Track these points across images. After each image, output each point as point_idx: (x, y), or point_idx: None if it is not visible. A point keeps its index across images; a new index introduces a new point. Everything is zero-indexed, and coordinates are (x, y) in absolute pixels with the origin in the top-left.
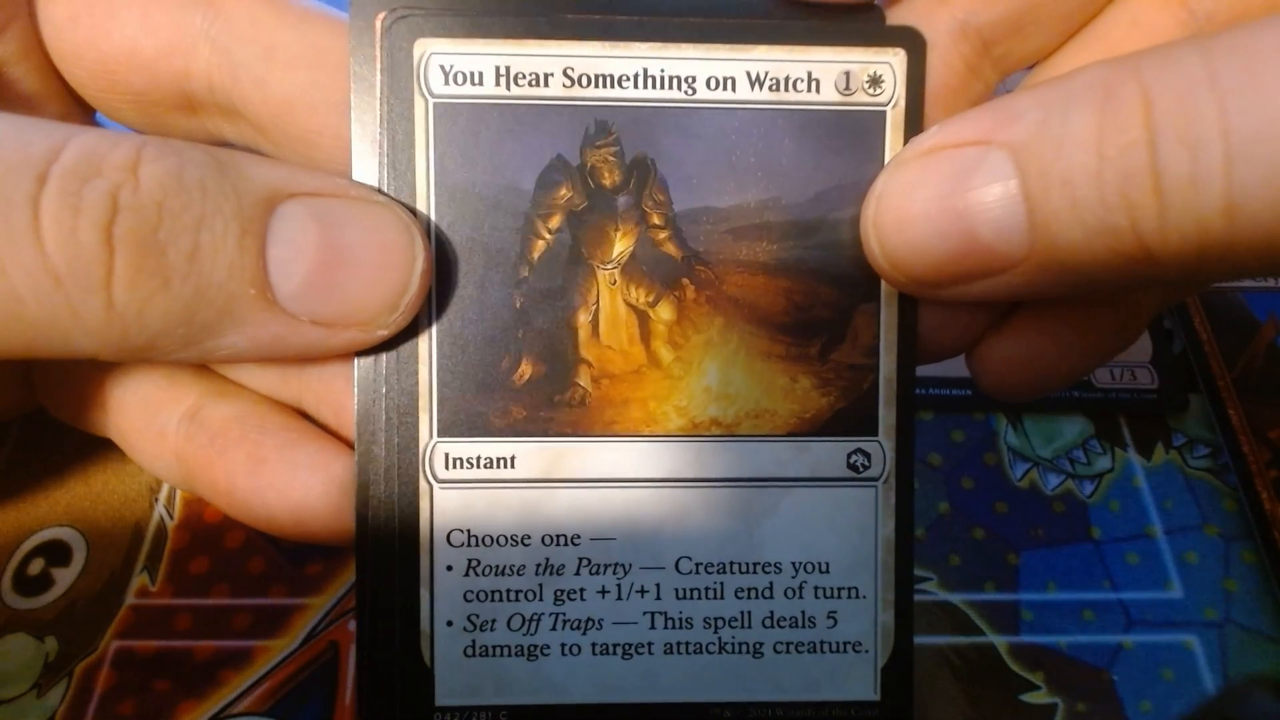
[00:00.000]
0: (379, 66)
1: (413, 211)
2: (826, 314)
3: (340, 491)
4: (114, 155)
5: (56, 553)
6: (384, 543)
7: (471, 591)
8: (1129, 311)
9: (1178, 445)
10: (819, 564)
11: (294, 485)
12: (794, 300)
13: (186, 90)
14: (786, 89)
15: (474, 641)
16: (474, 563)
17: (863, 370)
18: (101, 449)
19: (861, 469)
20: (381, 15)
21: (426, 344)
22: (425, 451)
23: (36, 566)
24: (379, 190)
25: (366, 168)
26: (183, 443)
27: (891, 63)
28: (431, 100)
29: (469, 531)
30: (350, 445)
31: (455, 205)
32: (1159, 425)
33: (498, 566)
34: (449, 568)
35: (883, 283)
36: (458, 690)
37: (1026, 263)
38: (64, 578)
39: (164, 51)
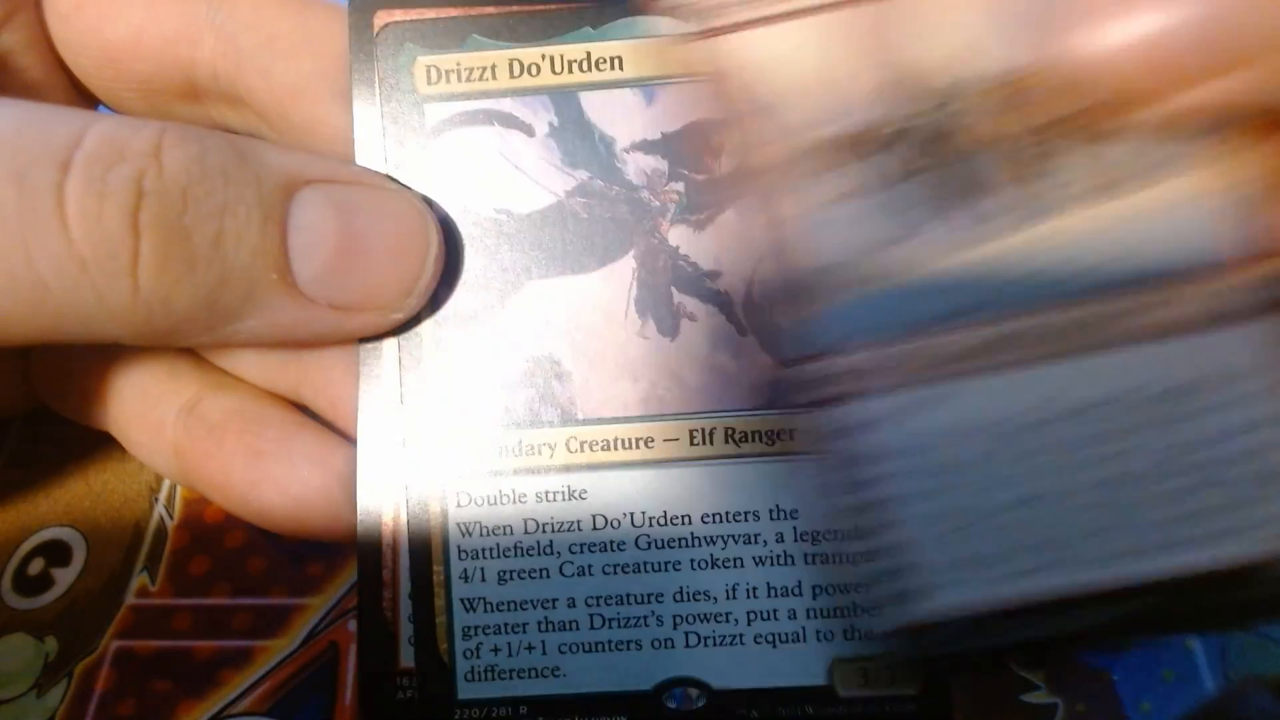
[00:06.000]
0: (375, 65)
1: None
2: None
3: (340, 486)
4: (136, 141)
5: (56, 553)
6: (389, 544)
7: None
8: None
9: None
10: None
11: (292, 479)
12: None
13: (191, 78)
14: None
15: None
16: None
17: None
18: (102, 449)
19: None
20: (378, 13)
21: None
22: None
23: (36, 566)
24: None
25: (369, 163)
26: (181, 435)
27: None
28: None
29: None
30: (349, 438)
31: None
32: None
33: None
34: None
35: None
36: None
37: None
38: (64, 578)
39: (169, 40)
